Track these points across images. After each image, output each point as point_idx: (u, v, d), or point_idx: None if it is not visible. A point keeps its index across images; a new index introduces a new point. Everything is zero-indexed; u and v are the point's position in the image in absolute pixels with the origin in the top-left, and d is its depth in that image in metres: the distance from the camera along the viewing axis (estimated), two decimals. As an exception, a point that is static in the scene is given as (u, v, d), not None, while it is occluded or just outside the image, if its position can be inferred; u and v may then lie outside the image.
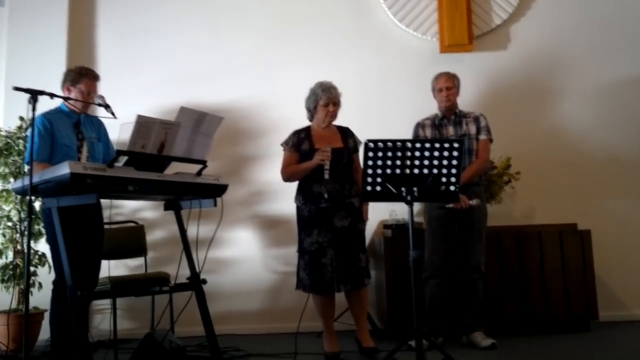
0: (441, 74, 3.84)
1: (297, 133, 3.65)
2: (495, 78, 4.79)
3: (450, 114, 3.80)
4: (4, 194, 4.07)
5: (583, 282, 4.06)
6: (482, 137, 3.75)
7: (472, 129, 3.76)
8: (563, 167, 4.67)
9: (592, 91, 4.79)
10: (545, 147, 4.68)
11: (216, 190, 3.37)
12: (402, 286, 3.94)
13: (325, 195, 3.47)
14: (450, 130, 3.78)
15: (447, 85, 3.76)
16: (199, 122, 3.16)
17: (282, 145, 3.68)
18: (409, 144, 2.81)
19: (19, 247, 4.11)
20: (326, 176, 3.41)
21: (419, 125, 3.85)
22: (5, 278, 4.02)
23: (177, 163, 3.20)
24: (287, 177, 3.61)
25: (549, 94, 4.79)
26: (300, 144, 3.60)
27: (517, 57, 4.83)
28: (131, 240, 4.33)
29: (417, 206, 3.03)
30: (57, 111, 3.36)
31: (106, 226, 3.55)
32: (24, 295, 2.92)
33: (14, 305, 3.93)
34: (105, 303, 4.47)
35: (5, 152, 4.10)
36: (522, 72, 4.80)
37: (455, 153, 2.79)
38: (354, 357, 3.42)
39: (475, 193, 3.63)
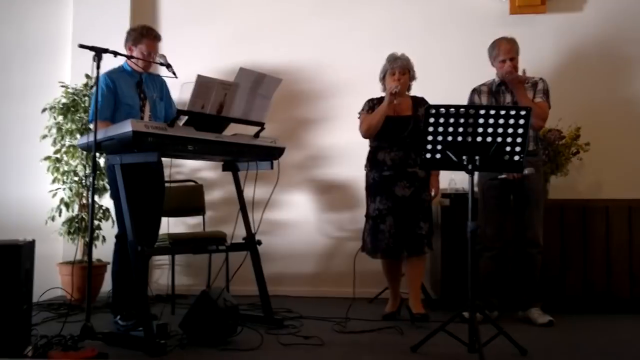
0: (501, 40, 3.60)
1: (370, 100, 3.68)
2: (569, 42, 4.51)
3: None
4: (71, 149, 4.22)
5: (650, 261, 3.88)
6: (537, 99, 3.54)
7: (530, 95, 3.56)
8: (635, 140, 4.41)
9: None
10: (619, 118, 4.42)
11: (273, 153, 3.39)
12: (458, 257, 3.86)
13: (389, 163, 3.49)
14: (508, 98, 3.60)
15: (510, 56, 3.54)
16: (257, 83, 3.15)
17: (358, 114, 3.68)
18: (472, 111, 2.70)
19: (84, 201, 4.27)
20: (395, 89, 3.42)
21: (475, 92, 3.69)
22: (71, 230, 4.20)
23: (235, 125, 3.21)
24: (366, 128, 3.58)
25: (627, 61, 4.49)
26: (374, 109, 3.61)
27: (594, 20, 4.52)
28: (190, 199, 4.43)
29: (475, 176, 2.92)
30: (120, 70, 3.43)
31: (166, 184, 3.62)
32: (88, 247, 3.04)
33: (78, 257, 4.11)
34: (164, 259, 4.63)
35: (72, 108, 4.23)
36: (599, 36, 4.50)
37: (521, 121, 2.66)
38: (404, 325, 3.40)
39: (530, 163, 3.45)
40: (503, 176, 3.47)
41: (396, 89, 3.44)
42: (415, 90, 3.73)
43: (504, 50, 3.57)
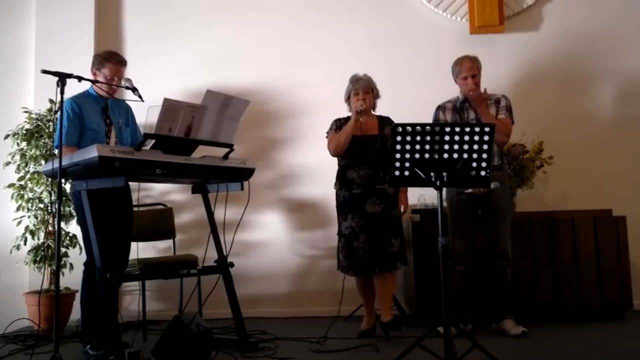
0: (463, 59, 3.70)
1: (337, 120, 3.73)
2: (528, 60, 4.65)
3: None
4: (35, 176, 4.14)
5: (617, 270, 3.96)
6: (500, 116, 3.63)
7: (494, 112, 3.65)
8: (597, 153, 4.54)
9: (627, 75, 4.61)
10: (579, 131, 4.55)
11: (243, 174, 3.38)
12: (430, 272, 3.89)
13: (358, 181, 3.54)
14: (472, 114, 3.67)
15: (472, 73, 3.63)
16: (225, 105, 3.14)
17: (326, 133, 3.72)
18: (438, 128, 2.74)
19: (50, 228, 4.18)
20: (361, 108, 3.49)
21: (440, 108, 3.76)
22: (37, 259, 4.09)
23: (204, 147, 3.20)
24: (334, 147, 3.62)
25: (583, 77, 4.64)
26: (342, 128, 3.65)
27: (550, 39, 4.68)
28: (160, 223, 4.37)
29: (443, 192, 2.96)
30: (85, 95, 3.38)
31: (135, 209, 3.57)
32: (55, 276, 2.96)
33: (45, 286, 4.02)
34: (135, 284, 4.54)
35: (35, 134, 4.15)
36: (555, 54, 4.65)
37: (486, 137, 2.71)
38: (380, 342, 3.40)
39: (496, 178, 3.52)
40: (470, 191, 3.53)
41: (361, 107, 3.50)
42: (381, 107, 3.78)
43: (466, 67, 3.65)
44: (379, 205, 3.53)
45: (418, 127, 2.73)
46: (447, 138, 2.72)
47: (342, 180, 3.63)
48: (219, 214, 3.39)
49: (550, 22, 4.70)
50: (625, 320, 3.92)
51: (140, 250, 3.82)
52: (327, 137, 3.71)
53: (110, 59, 3.33)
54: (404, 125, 2.74)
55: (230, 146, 3.27)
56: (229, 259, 3.45)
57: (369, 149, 3.56)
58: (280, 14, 4.82)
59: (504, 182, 3.65)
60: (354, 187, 3.56)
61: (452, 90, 3.80)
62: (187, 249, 4.38)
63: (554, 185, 4.51)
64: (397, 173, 2.81)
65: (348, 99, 3.70)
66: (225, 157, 3.30)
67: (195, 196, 3.66)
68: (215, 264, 3.46)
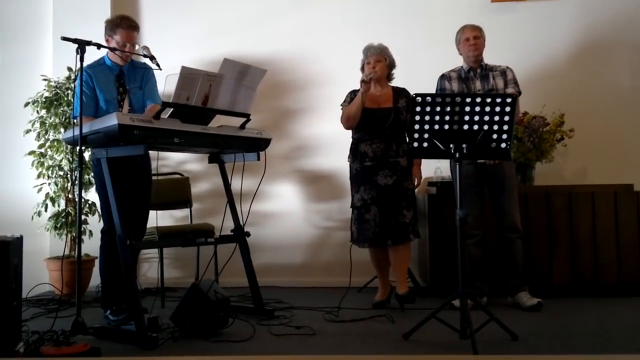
0: (466, 25, 3.69)
1: (352, 92, 3.68)
2: (551, 29, 4.53)
3: (477, 66, 3.64)
4: (55, 143, 4.18)
5: (637, 246, 3.92)
6: (510, 90, 3.57)
7: (500, 83, 3.61)
8: (620, 126, 4.44)
9: None
10: (602, 104, 4.46)
11: (259, 144, 3.38)
12: (445, 245, 3.89)
13: (370, 155, 3.52)
14: (477, 84, 3.63)
15: (474, 34, 3.61)
16: (242, 74, 3.12)
17: (341, 105, 3.68)
18: (459, 99, 2.70)
19: (70, 195, 4.23)
20: (369, 76, 3.45)
21: (445, 77, 3.71)
22: (58, 225, 4.16)
23: (221, 116, 3.19)
24: (345, 119, 3.60)
25: (609, 48, 4.52)
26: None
27: (575, 7, 4.55)
28: (177, 192, 4.40)
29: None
30: (100, 64, 3.37)
31: (153, 177, 3.59)
32: (76, 242, 3.01)
33: (66, 252, 4.08)
34: (153, 252, 4.61)
35: (55, 102, 4.18)
36: (581, 23, 4.53)
37: (507, 109, 2.67)
38: (395, 313, 3.42)
39: None
40: (482, 161, 3.50)
41: (369, 76, 3.45)
42: (400, 79, 3.73)
43: (467, 31, 3.65)
44: (391, 178, 3.51)
45: (438, 98, 2.70)
46: (467, 109, 2.70)
47: (355, 153, 3.61)
48: (235, 184, 3.40)
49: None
50: (642, 296, 3.89)
51: (158, 218, 3.87)
52: (341, 108, 3.67)
53: (121, 24, 3.29)
54: (423, 96, 2.71)
55: (247, 116, 3.26)
56: (246, 229, 3.47)
57: (382, 122, 3.52)
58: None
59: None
60: (366, 160, 3.54)
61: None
62: (203, 218, 4.42)
63: (574, 159, 4.44)
64: (415, 144, 2.78)
65: (362, 70, 3.65)
66: (242, 126, 3.29)
67: (211, 166, 3.68)
68: (232, 233, 3.48)
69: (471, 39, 3.61)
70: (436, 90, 3.69)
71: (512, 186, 3.63)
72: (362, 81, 3.46)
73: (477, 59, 3.63)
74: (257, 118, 3.65)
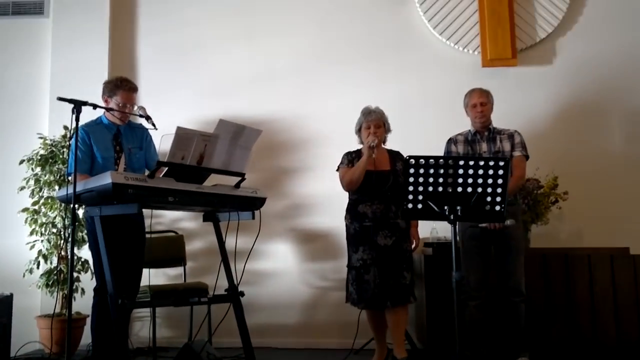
0: (474, 89, 3.73)
1: (348, 154, 3.71)
2: (541, 94, 4.62)
3: (484, 130, 3.68)
4: (49, 201, 4.18)
5: (635, 308, 3.86)
6: (517, 153, 3.60)
7: (507, 146, 3.63)
8: (613, 189, 4.46)
9: None
10: (595, 167, 4.49)
11: (254, 203, 3.37)
12: (443, 306, 3.83)
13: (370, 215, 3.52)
14: (484, 147, 3.66)
15: (481, 100, 3.65)
16: (237, 134, 3.16)
17: (338, 167, 3.71)
18: (452, 161, 2.73)
19: (62, 253, 4.20)
20: (373, 143, 3.48)
21: (452, 141, 3.75)
22: (50, 283, 4.12)
23: (216, 175, 3.20)
24: (347, 182, 3.60)
25: (598, 112, 4.59)
26: (353, 162, 3.65)
27: (564, 73, 4.66)
28: (171, 250, 4.38)
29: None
30: (97, 123, 3.42)
31: (147, 235, 3.58)
32: (67, 300, 2.97)
33: (57, 310, 4.02)
34: (145, 311, 4.53)
35: (50, 160, 4.21)
36: (569, 88, 4.63)
37: (500, 172, 2.69)
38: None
39: (510, 213, 3.47)
40: (484, 225, 3.49)
41: (374, 143, 3.49)
42: (393, 140, 3.77)
43: (476, 95, 3.68)
44: (391, 239, 3.50)
45: (431, 160, 2.72)
46: (460, 171, 2.71)
47: (353, 214, 3.61)
48: (229, 242, 3.39)
49: (564, 55, 4.69)
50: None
51: (152, 276, 3.81)
52: (337, 170, 3.70)
53: (121, 86, 3.35)
54: (417, 158, 2.73)
55: (241, 175, 3.28)
56: (240, 288, 3.42)
57: (381, 184, 3.54)
58: (292, 47, 4.85)
59: (517, 216, 3.60)
60: (366, 220, 3.53)
61: (464, 124, 3.78)
62: (197, 277, 4.37)
63: (569, 221, 4.43)
64: (410, 206, 2.79)
65: (359, 131, 3.69)
66: (237, 185, 3.30)
67: (206, 224, 3.66)
68: (226, 293, 3.43)
69: (478, 105, 3.64)
70: (444, 154, 3.72)
71: (519, 248, 3.59)
72: (369, 147, 3.48)
73: (483, 124, 3.66)
74: (252, 177, 3.66)
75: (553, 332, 3.88)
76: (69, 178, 3.19)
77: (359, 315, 3.58)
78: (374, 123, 3.60)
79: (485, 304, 3.59)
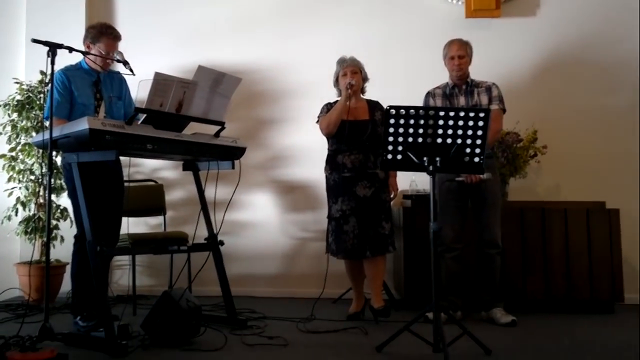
0: (453, 40, 3.67)
1: (327, 104, 3.69)
2: (523, 46, 4.58)
3: (462, 83, 3.66)
4: (27, 147, 4.11)
5: (609, 263, 3.94)
6: (494, 106, 3.58)
7: (484, 99, 3.62)
8: (592, 144, 4.48)
9: (621, 66, 4.51)
10: (575, 121, 4.50)
11: (234, 153, 3.36)
12: (420, 258, 3.89)
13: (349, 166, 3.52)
14: (462, 100, 3.64)
15: (459, 53, 3.60)
16: (216, 82, 3.11)
17: (317, 118, 3.68)
18: (432, 112, 2.72)
19: (41, 200, 4.17)
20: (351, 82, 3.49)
21: (430, 94, 3.72)
22: (28, 230, 4.09)
23: (194, 124, 3.17)
24: (325, 125, 3.58)
25: (581, 65, 4.56)
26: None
27: (547, 24, 4.60)
28: (151, 199, 4.37)
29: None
30: (77, 68, 3.33)
31: (126, 184, 3.54)
32: (46, 247, 2.96)
33: (36, 257, 4.01)
34: (125, 259, 4.56)
35: (27, 105, 4.12)
36: (552, 40, 4.59)
37: (480, 123, 2.69)
38: (368, 325, 3.41)
39: (487, 166, 3.47)
40: (461, 179, 3.51)
41: (352, 81, 3.48)
42: (374, 91, 3.74)
43: (454, 48, 3.63)
44: (370, 189, 3.52)
45: (412, 110, 2.71)
46: (441, 122, 2.71)
47: (332, 164, 3.60)
48: (209, 192, 3.38)
49: (547, 7, 4.62)
50: (615, 314, 3.90)
51: (131, 225, 3.82)
52: (317, 122, 3.67)
53: (106, 33, 3.27)
54: (397, 108, 2.71)
55: (221, 124, 3.25)
56: (219, 238, 3.44)
57: (360, 134, 3.53)
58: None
59: (494, 170, 3.64)
60: (345, 170, 3.54)
61: (445, 74, 3.74)
62: (177, 226, 4.38)
63: (547, 175, 4.48)
64: (389, 157, 2.79)
65: (336, 82, 3.66)
66: (217, 134, 3.27)
67: (186, 174, 3.65)
68: (206, 242, 3.45)
69: (456, 58, 3.60)
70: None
71: (495, 201, 3.62)
72: (347, 88, 3.47)
73: (460, 77, 3.64)
74: (232, 127, 3.63)
75: (528, 285, 3.97)
76: (46, 123, 3.13)
77: (327, 262, 3.60)
78: (350, 69, 3.57)
79: (461, 256, 3.65)
